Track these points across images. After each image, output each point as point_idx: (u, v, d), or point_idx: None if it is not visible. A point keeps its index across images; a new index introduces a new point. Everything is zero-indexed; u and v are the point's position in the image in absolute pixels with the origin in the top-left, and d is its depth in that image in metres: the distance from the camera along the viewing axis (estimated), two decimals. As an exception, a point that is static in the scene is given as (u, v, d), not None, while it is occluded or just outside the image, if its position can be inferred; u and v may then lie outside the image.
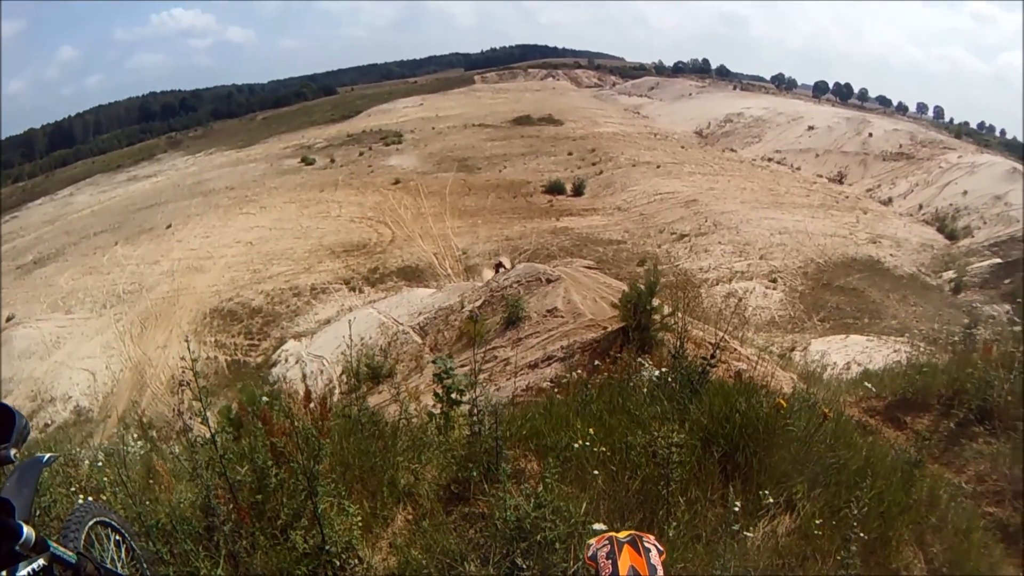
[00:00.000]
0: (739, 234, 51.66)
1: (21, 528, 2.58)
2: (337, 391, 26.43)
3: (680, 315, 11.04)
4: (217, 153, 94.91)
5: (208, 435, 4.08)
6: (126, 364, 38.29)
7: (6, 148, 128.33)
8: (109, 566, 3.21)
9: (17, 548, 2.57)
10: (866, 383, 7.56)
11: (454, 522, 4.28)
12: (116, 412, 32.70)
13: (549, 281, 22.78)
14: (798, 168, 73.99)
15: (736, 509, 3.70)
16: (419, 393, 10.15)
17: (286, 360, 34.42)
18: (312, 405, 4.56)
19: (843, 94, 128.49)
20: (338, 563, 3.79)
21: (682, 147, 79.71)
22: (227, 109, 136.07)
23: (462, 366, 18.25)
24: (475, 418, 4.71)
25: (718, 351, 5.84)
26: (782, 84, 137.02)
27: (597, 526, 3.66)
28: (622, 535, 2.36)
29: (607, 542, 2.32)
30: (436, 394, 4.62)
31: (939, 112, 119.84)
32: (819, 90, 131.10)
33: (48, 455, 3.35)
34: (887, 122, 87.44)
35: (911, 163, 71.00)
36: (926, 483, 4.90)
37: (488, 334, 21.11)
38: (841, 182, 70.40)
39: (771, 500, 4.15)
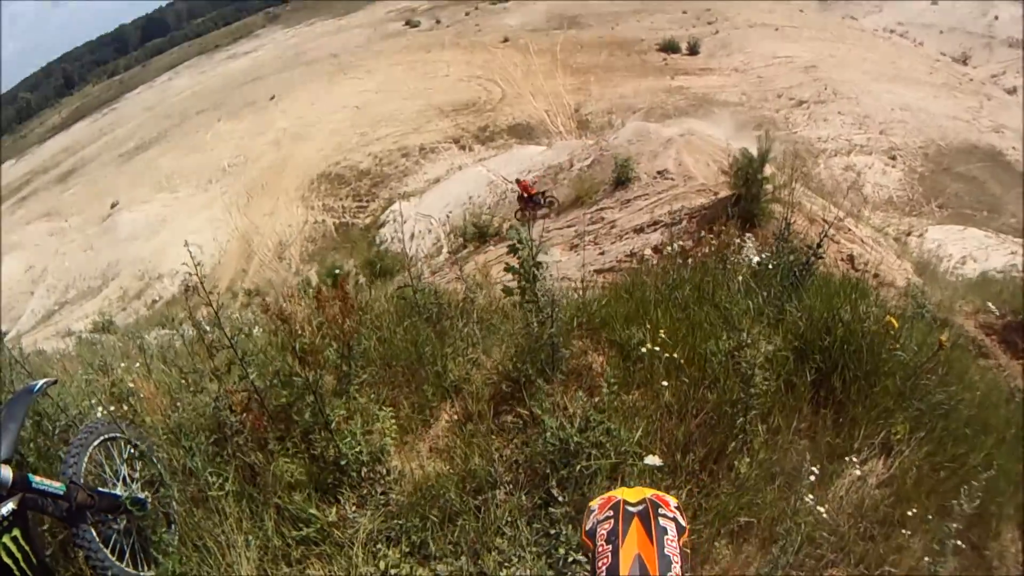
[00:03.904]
0: (859, 105, 47.87)
1: None
2: (445, 250, 26.89)
3: (792, 187, 10.19)
4: (318, 23, 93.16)
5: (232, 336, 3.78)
6: (233, 234, 39.24)
7: (98, 48, 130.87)
8: (107, 489, 3.02)
9: None
10: (988, 304, 6.59)
11: (500, 426, 3.78)
12: (223, 282, 33.92)
13: (660, 142, 21.94)
14: (921, 43, 67.26)
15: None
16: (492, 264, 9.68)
17: (394, 220, 34.24)
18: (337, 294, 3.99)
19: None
20: (361, 474, 3.42)
21: (800, 11, 73.51)
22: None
23: (569, 226, 17.97)
24: (540, 303, 4.03)
25: (828, 234, 4.98)
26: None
27: (649, 459, 3.11)
28: (633, 498, 1.88)
29: (611, 512, 1.84)
30: (507, 266, 3.94)
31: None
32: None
33: (42, 381, 3.15)
34: (1016, 7, 78.31)
35: (1040, 53, 63.46)
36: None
37: (596, 195, 20.51)
38: (965, 63, 63.86)
39: (865, 440, 3.46)
